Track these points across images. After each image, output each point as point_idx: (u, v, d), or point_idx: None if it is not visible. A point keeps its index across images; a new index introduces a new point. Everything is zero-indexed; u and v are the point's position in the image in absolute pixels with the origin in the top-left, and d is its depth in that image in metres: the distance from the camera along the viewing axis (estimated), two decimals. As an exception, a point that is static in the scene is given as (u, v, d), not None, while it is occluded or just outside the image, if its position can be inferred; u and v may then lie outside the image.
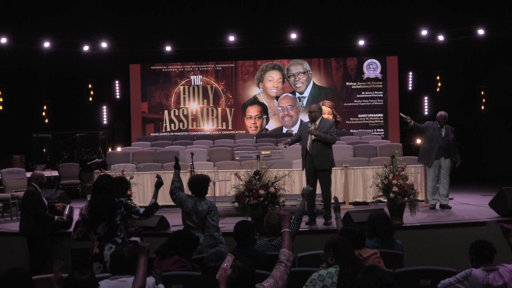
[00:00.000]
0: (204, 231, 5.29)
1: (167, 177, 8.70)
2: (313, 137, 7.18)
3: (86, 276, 3.03)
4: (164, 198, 8.31)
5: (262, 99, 15.24)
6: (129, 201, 7.61)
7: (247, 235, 4.55)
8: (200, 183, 5.49)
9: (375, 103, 15.16)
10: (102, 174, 6.27)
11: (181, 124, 15.27)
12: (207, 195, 5.58)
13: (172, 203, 5.85)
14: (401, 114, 8.75)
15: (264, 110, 15.22)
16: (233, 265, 3.04)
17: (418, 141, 12.23)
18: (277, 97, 15.22)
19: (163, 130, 15.21)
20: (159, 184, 5.27)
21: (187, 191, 5.69)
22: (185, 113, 15.27)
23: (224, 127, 15.22)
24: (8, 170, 9.98)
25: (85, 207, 4.82)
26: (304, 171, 7.56)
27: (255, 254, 4.44)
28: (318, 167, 7.20)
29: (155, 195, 5.17)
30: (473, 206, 9.07)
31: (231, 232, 7.13)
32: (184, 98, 15.28)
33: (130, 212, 4.78)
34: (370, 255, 4.08)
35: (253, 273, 3.07)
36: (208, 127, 15.27)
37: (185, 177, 6.50)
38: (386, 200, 7.50)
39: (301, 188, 8.94)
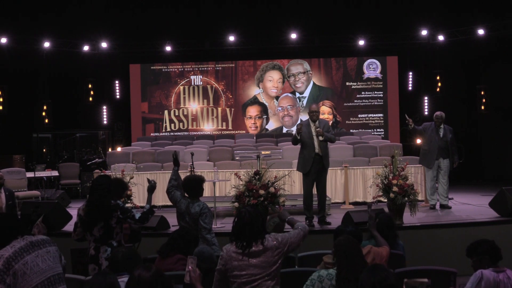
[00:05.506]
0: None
1: (167, 177, 8.66)
2: (320, 138, 7.23)
3: (151, 272, 2.84)
4: (164, 198, 8.30)
5: (262, 99, 15.23)
6: (128, 201, 7.63)
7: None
8: (192, 184, 5.32)
9: (375, 103, 15.16)
10: (100, 174, 6.24)
11: (181, 124, 15.27)
12: (205, 196, 5.52)
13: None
14: (406, 115, 8.71)
15: (264, 110, 15.22)
16: (243, 210, 3.34)
17: (418, 141, 12.22)
18: (277, 97, 15.22)
19: (163, 130, 15.21)
20: (151, 188, 5.08)
21: None
22: (185, 113, 15.27)
23: (224, 127, 15.22)
24: (8, 170, 10.00)
25: (82, 208, 4.77)
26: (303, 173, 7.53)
27: None
28: (326, 166, 7.36)
29: (149, 201, 5.00)
30: (473, 206, 9.07)
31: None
32: (184, 98, 15.28)
33: (126, 216, 4.68)
34: (364, 253, 4.06)
35: (263, 219, 3.21)
36: (208, 127, 15.27)
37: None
38: (386, 200, 7.51)
39: (301, 188, 8.93)
